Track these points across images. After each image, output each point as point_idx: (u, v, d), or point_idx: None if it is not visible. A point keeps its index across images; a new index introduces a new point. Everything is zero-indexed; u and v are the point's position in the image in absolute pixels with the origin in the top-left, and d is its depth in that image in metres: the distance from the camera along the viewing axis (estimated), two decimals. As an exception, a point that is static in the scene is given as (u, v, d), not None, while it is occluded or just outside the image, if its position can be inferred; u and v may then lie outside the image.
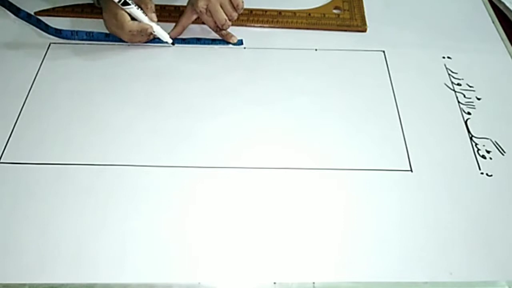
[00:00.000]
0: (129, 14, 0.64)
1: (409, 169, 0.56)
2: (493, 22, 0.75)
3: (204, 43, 0.69)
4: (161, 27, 0.67)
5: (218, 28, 0.69)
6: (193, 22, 0.71)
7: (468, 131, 0.60)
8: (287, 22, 0.73)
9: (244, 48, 0.69)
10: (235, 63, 0.67)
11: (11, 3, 0.70)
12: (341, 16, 0.74)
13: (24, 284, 0.46)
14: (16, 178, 0.53)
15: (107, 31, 0.68)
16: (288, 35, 0.72)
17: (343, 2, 0.76)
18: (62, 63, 0.66)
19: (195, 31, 0.71)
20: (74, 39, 0.69)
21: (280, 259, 0.48)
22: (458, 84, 0.65)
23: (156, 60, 0.67)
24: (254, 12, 0.74)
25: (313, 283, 0.46)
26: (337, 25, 0.73)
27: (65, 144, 0.57)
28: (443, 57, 0.69)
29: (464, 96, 0.64)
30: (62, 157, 0.55)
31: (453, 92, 0.64)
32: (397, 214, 0.52)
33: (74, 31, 0.69)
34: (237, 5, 0.67)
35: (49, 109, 0.60)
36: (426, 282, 0.47)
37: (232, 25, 0.69)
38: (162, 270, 0.47)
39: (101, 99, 0.62)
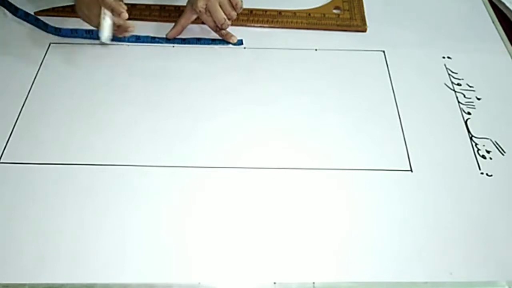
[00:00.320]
0: None
1: (409, 169, 0.56)
2: (493, 22, 0.75)
3: (204, 43, 0.69)
4: (162, 27, 0.67)
5: (217, 28, 0.69)
6: (193, 22, 0.71)
7: (468, 131, 0.60)
8: (287, 22, 0.73)
9: (244, 48, 0.69)
10: (235, 63, 0.67)
11: (10, 3, 0.70)
12: (341, 16, 0.74)
13: (24, 284, 0.46)
14: (16, 178, 0.53)
15: None
16: (288, 35, 0.72)
17: (343, 2, 0.76)
18: (62, 63, 0.66)
19: (195, 31, 0.71)
20: (74, 37, 0.69)
21: (280, 259, 0.48)
22: (458, 84, 0.65)
23: (156, 60, 0.67)
24: (254, 12, 0.74)
25: (313, 283, 0.46)
26: (337, 25, 0.73)
27: (65, 144, 0.57)
28: (443, 57, 0.69)
29: (464, 96, 0.64)
30: (62, 157, 0.55)
31: (453, 92, 0.64)
32: (397, 214, 0.52)
33: (73, 29, 0.69)
34: (236, 4, 0.67)
35: (49, 109, 0.60)
36: (426, 282, 0.47)
37: (232, 25, 0.69)
38: (162, 270, 0.47)
39: (101, 99, 0.62)
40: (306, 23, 0.73)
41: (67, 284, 0.46)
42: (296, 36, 0.72)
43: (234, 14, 0.68)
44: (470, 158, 0.57)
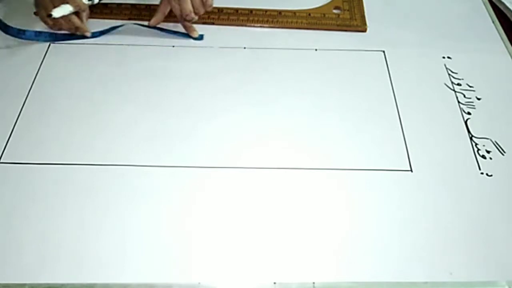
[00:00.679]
0: None
1: (409, 169, 0.56)
2: (493, 22, 0.75)
3: (167, 32, 0.70)
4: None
5: (182, 18, 0.69)
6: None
7: (468, 131, 0.60)
8: (287, 22, 0.73)
9: (244, 48, 0.69)
10: (235, 63, 0.67)
11: None
12: (341, 16, 0.74)
13: (24, 284, 0.46)
14: (16, 178, 0.53)
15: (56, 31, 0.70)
16: (288, 35, 0.72)
17: (343, 2, 0.76)
18: (62, 63, 0.66)
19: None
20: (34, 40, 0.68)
21: (280, 259, 0.48)
22: (458, 84, 0.65)
23: (156, 60, 0.67)
24: (254, 12, 0.74)
25: (313, 283, 0.46)
26: (337, 25, 0.73)
27: (65, 144, 0.57)
28: (443, 57, 0.69)
29: (464, 96, 0.64)
30: (62, 157, 0.55)
31: (453, 92, 0.64)
32: (397, 214, 0.52)
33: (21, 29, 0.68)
34: (206, 2, 0.68)
35: (49, 109, 0.61)
36: (426, 282, 0.47)
37: (232, 24, 0.69)
38: (162, 270, 0.47)
39: (101, 99, 0.62)
40: (306, 23, 0.73)
41: (67, 284, 0.46)
42: (296, 36, 0.72)
43: (202, 10, 0.69)
44: (470, 158, 0.57)
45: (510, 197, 0.53)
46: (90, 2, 0.68)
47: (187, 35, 0.70)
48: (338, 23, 0.73)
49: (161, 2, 0.70)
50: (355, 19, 0.74)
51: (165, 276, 0.47)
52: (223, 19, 0.73)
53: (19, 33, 0.69)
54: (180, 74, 0.65)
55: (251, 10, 0.74)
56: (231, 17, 0.73)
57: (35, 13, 0.72)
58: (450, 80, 0.66)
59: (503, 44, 0.71)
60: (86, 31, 0.69)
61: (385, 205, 0.52)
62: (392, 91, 0.64)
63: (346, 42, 0.71)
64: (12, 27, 0.69)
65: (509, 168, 0.56)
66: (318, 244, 0.49)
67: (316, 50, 0.70)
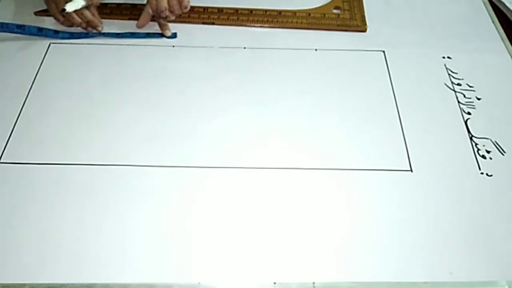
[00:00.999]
0: None
1: (409, 169, 0.56)
2: (493, 22, 0.75)
3: (139, 37, 0.70)
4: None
5: (158, 14, 0.69)
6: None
7: (468, 131, 0.60)
8: (287, 22, 0.73)
9: (244, 48, 0.69)
10: (235, 63, 0.67)
11: None
12: (341, 16, 0.74)
13: (24, 284, 0.46)
14: (16, 178, 0.53)
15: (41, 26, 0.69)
16: (288, 35, 0.72)
17: (343, 2, 0.76)
18: (62, 63, 0.66)
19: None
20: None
21: (280, 259, 0.48)
22: (458, 84, 0.65)
23: (156, 60, 0.67)
24: (254, 12, 0.74)
25: (313, 283, 0.46)
26: (337, 25, 0.73)
27: (65, 144, 0.57)
28: (443, 57, 0.69)
29: (464, 96, 0.64)
30: (62, 157, 0.55)
31: (453, 92, 0.64)
32: (397, 214, 0.52)
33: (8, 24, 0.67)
34: (182, 2, 0.68)
35: (49, 109, 0.61)
36: (426, 282, 0.47)
37: (232, 24, 0.69)
38: (162, 270, 0.47)
39: (101, 99, 0.62)
40: (306, 23, 0.73)
41: (67, 284, 0.46)
42: (296, 36, 0.72)
43: (177, 9, 0.69)
44: (470, 158, 0.57)
45: (510, 197, 0.53)
46: None
47: (160, 35, 0.70)
48: (338, 23, 0.73)
49: (147, 2, 0.70)
50: (355, 19, 0.74)
51: (165, 276, 0.47)
52: (223, 19, 0.73)
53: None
54: (180, 74, 0.65)
55: (251, 10, 0.74)
56: (231, 17, 0.73)
57: (35, 13, 0.72)
58: (450, 80, 0.66)
59: (503, 44, 0.71)
60: (98, 25, 0.69)
61: (385, 205, 0.52)
62: (392, 91, 0.64)
63: (346, 42, 0.71)
64: (13, 24, 0.68)
65: (509, 168, 0.56)
66: (318, 244, 0.49)
67: (316, 50, 0.70)
